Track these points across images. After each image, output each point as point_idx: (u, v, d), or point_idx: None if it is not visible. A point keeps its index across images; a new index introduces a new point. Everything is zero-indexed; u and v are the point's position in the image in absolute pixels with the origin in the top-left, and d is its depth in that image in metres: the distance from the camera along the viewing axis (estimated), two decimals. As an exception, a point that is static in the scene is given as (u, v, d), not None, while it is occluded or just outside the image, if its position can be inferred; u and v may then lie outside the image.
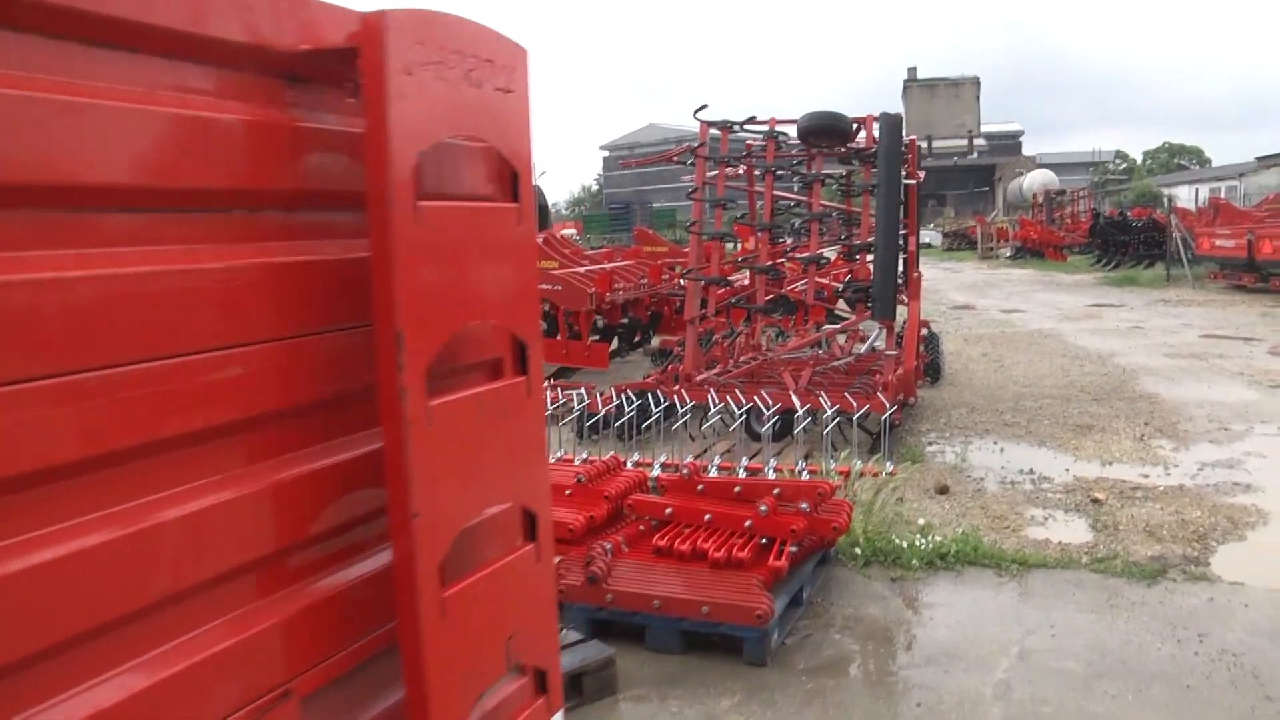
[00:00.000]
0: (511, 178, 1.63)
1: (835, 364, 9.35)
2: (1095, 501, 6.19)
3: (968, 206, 58.15)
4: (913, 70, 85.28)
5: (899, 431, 8.22)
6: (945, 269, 30.99)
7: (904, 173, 9.23)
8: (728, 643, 4.18)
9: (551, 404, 8.69)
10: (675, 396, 8.23)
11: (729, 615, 4.09)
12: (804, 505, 4.60)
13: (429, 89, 1.38)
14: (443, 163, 1.46)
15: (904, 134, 8.00)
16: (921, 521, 5.77)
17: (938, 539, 5.34)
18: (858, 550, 5.23)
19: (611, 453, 6.96)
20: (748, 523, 4.61)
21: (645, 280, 12.96)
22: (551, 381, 11.03)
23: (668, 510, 4.92)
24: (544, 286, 12.90)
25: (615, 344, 14.28)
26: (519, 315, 1.65)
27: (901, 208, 9.86)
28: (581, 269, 14.02)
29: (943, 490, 6.59)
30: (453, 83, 1.43)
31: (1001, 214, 47.10)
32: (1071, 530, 5.71)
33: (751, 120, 8.48)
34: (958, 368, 11.95)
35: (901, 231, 9.88)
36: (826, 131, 8.30)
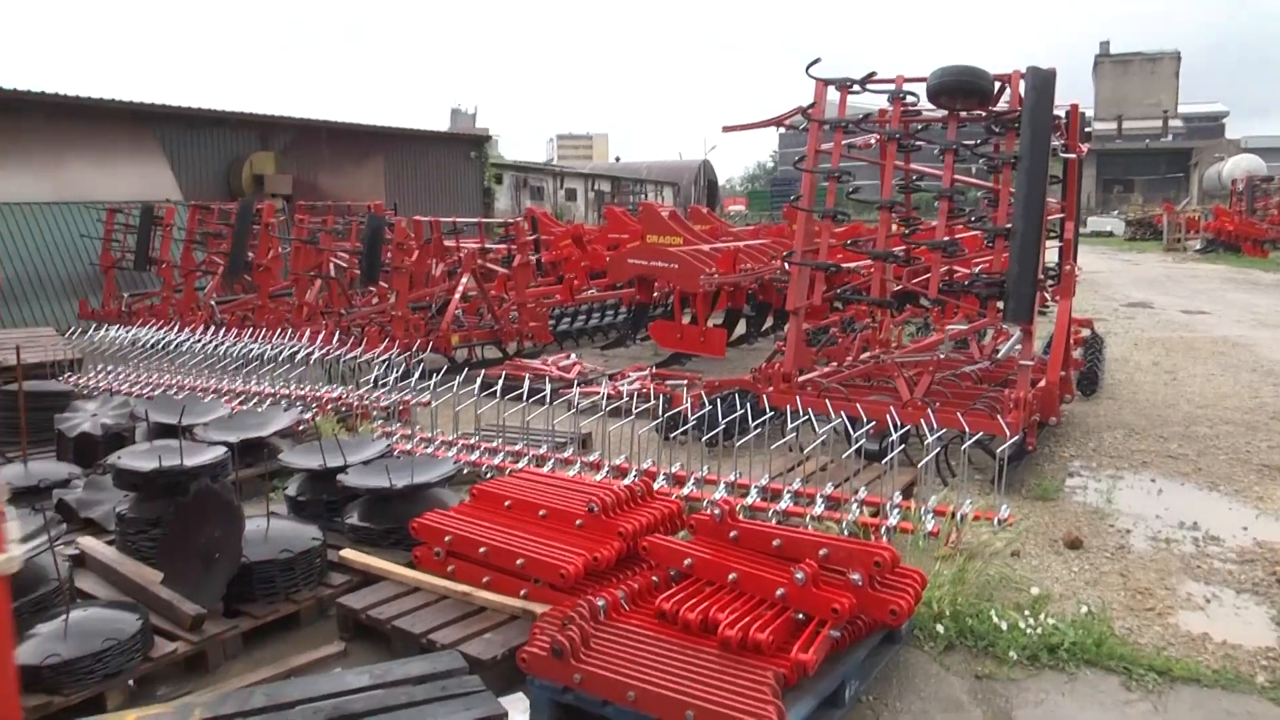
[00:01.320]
0: None
1: (968, 369, 7.96)
2: (1281, 581, 4.71)
3: (1158, 193, 53.39)
4: (1105, 44, 79.45)
5: (1033, 458, 6.83)
6: (1124, 260, 28.08)
7: (1060, 144, 7.72)
8: (727, 760, 3.08)
9: (614, 397, 7.69)
10: (765, 399, 7.12)
11: (721, 730, 2.98)
12: (855, 577, 3.44)
13: None
14: None
15: (1055, 93, 6.51)
16: (1035, 591, 4.47)
17: (1050, 621, 4.04)
18: (940, 628, 4.01)
19: (677, 465, 5.90)
20: (779, 591, 3.48)
21: (777, 260, 11.77)
22: (653, 369, 10.05)
23: (686, 561, 3.84)
24: (658, 264, 11.91)
25: (744, 329, 13.16)
26: None
27: (1060, 186, 8.37)
28: (705, 247, 12.96)
29: (1073, 544, 5.22)
30: None
31: (1195, 202, 42.83)
32: (1243, 624, 4.27)
33: (871, 77, 7.13)
34: (1121, 378, 10.25)
35: (1057, 215, 8.39)
36: (961, 91, 6.86)
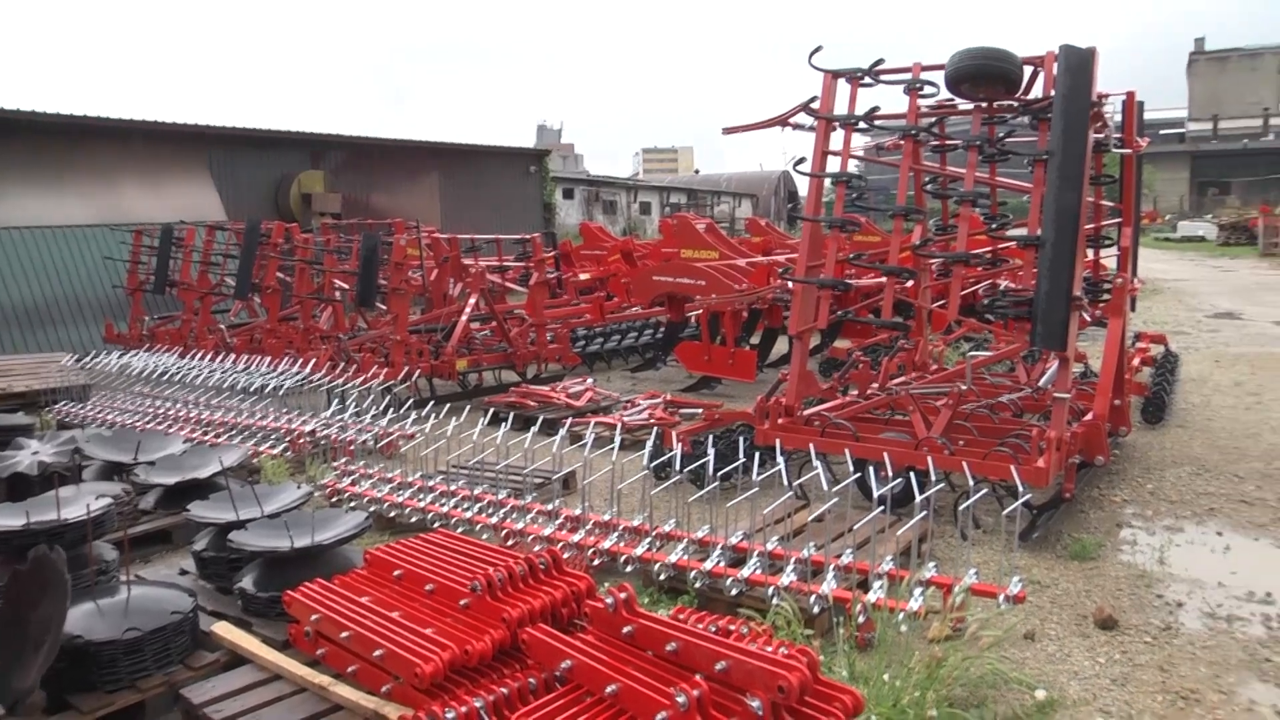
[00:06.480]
0: None
1: (1005, 399, 6.93)
2: (1372, 683, 3.67)
3: (1257, 196, 50.37)
4: (1200, 41, 75.77)
5: (1075, 505, 5.82)
6: (1214, 267, 26.15)
7: (1110, 137, 6.70)
8: None
9: (612, 429, 6.91)
10: (765, 436, 6.25)
11: None
12: (755, 704, 2.57)
13: None
14: None
15: (1095, 75, 5.50)
16: (1040, 694, 3.53)
17: (1052, 745, 3.11)
18: (902, 752, 3.11)
19: (639, 518, 5.03)
20: (660, 716, 2.64)
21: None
22: (667, 397, 9.24)
23: (565, 663, 3.02)
24: (685, 281, 11.16)
25: (786, 350, 12.24)
26: None
27: (1114, 185, 7.32)
28: (741, 262, 12.13)
29: (1106, 624, 4.23)
30: None
31: (1297, 205, 40.14)
32: (1317, 751, 3.28)
33: (879, 65, 6.21)
34: (1196, 401, 9.07)
35: (1113, 220, 7.34)
36: (985, 77, 5.90)
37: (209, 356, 10.07)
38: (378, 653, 3.32)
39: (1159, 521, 5.69)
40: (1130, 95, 7.03)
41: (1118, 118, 7.26)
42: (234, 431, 7.71)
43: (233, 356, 10.05)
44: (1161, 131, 65.57)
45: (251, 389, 8.31)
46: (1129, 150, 6.99)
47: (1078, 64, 5.52)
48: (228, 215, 19.17)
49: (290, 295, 11.32)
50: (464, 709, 2.95)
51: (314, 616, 3.69)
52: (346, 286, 11.21)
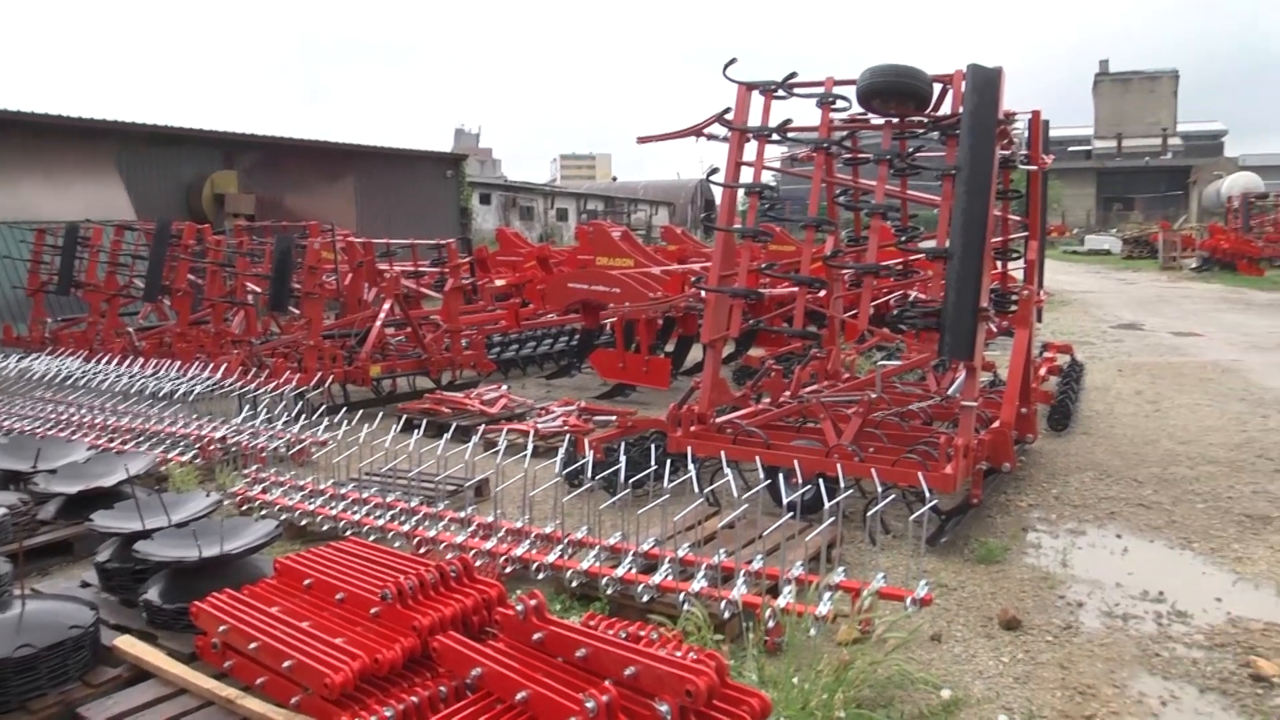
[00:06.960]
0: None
1: (915, 407, 7.09)
2: (1257, 679, 3.84)
3: (1158, 211, 52.60)
4: (1104, 63, 78.87)
5: (983, 510, 5.99)
6: (1118, 279, 27.22)
7: (1023, 155, 6.94)
8: None
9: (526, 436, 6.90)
10: (677, 443, 6.30)
11: None
12: (663, 708, 2.60)
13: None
14: None
15: (1001, 94, 5.68)
16: (946, 694, 3.63)
17: (954, 743, 3.20)
18: (810, 752, 3.16)
19: (552, 525, 5.03)
20: (571, 724, 2.64)
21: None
22: (581, 404, 9.23)
23: (475, 670, 3.01)
24: (600, 288, 11.17)
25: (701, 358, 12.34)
26: None
27: (1021, 200, 7.58)
28: (656, 270, 12.22)
29: (1010, 625, 4.36)
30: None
31: (1194, 219, 42.02)
32: (1201, 742, 3.43)
33: (793, 79, 6.33)
34: (1100, 409, 9.40)
35: (1020, 234, 7.60)
36: (895, 93, 6.06)
37: (116, 360, 9.77)
38: (287, 664, 3.26)
39: (1063, 525, 5.89)
40: (1036, 114, 7.28)
41: (1026, 135, 7.52)
42: (141, 438, 7.48)
43: (141, 360, 9.76)
44: (1070, 148, 68.07)
45: (160, 394, 8.08)
46: (1035, 166, 7.23)
47: (984, 83, 5.70)
48: (137, 214, 18.60)
49: (201, 298, 11.05)
50: (374, 719, 2.91)
51: (222, 628, 3.60)
52: (259, 290, 10.97)
